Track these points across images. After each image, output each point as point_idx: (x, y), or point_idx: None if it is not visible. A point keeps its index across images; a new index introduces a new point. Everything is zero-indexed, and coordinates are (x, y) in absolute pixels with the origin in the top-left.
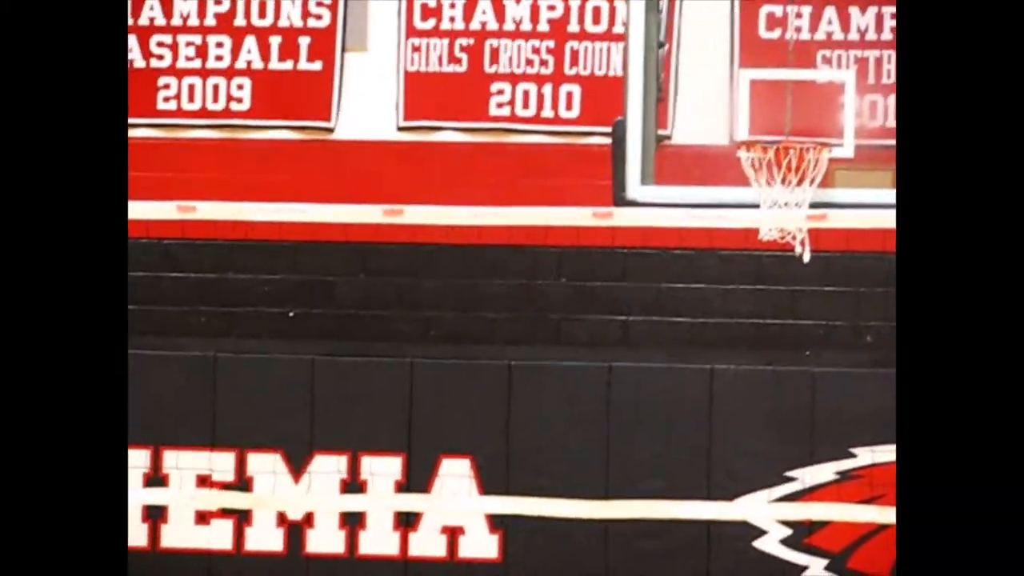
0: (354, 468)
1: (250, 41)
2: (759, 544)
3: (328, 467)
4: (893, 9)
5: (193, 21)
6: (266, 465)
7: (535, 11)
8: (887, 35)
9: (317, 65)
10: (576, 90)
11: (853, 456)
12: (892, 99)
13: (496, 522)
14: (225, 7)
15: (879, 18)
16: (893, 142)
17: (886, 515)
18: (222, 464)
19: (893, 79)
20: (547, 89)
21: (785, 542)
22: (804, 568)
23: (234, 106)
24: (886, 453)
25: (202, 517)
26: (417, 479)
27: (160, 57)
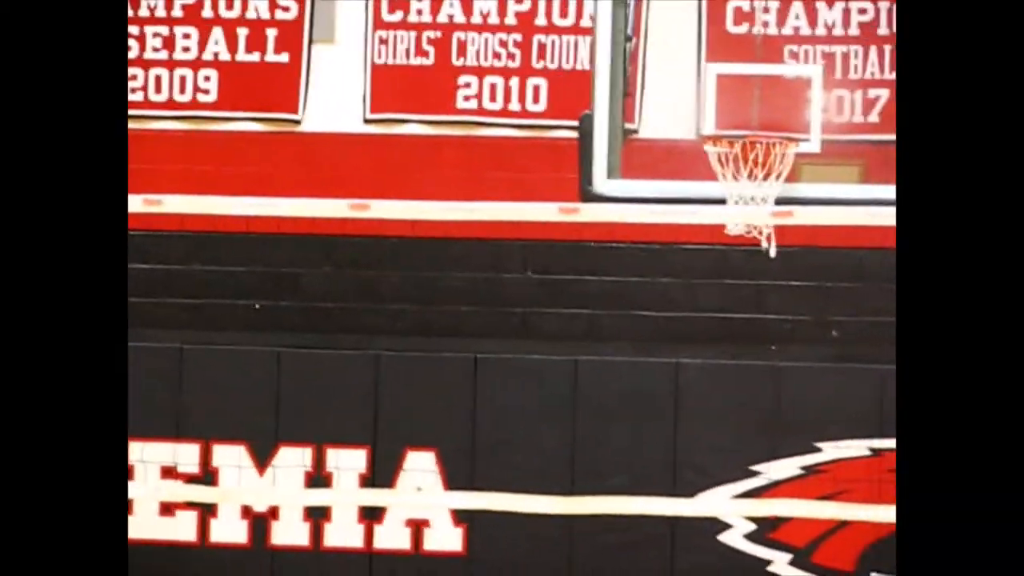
0: (319, 461)
1: (217, 32)
2: (724, 538)
3: (293, 460)
4: (861, 4)
5: (160, 12)
6: (232, 458)
7: (502, 4)
8: (854, 30)
9: (284, 57)
10: (543, 83)
11: (818, 451)
12: (859, 94)
13: (461, 516)
14: None
15: (846, 13)
16: (860, 137)
17: (850, 511)
18: (187, 456)
19: (860, 74)
20: (514, 82)
21: (750, 537)
22: (768, 563)
23: (201, 97)
24: (850, 448)
25: (167, 509)
26: (382, 472)
27: (128, 48)
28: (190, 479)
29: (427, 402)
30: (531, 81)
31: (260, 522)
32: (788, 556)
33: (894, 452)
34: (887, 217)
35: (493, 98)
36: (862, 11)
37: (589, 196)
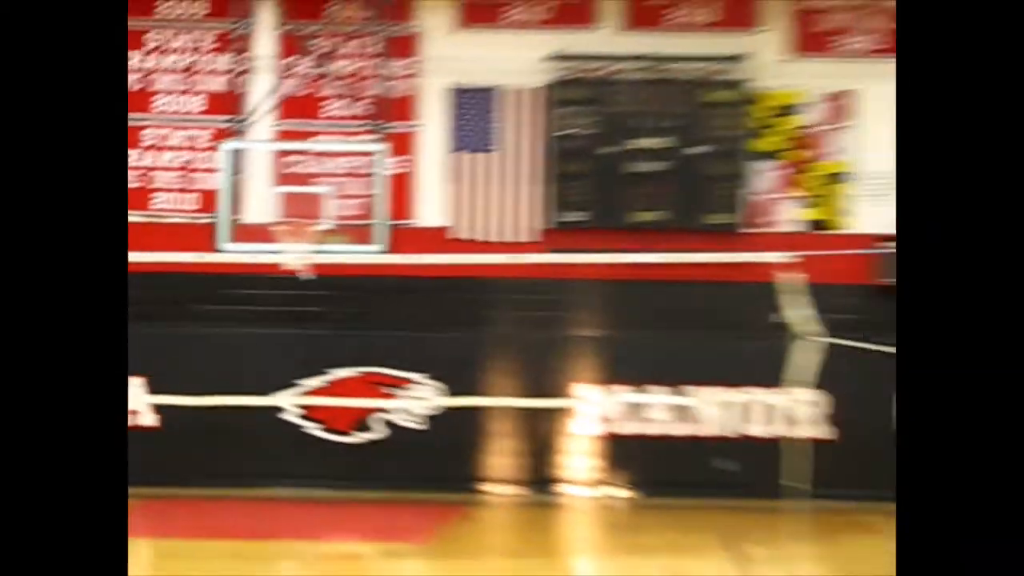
0: None
1: None
2: (286, 417)
3: None
4: (355, 159)
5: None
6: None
7: (176, 158)
8: (352, 168)
9: None
10: (198, 195)
11: (329, 375)
12: (352, 202)
13: (157, 408)
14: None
15: (364, 157)
16: (348, 222)
17: (349, 402)
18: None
19: (355, 192)
20: (183, 195)
21: (300, 416)
22: (310, 429)
23: None
24: (347, 373)
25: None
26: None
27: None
28: None
29: (144, 355)
30: (191, 195)
31: None
32: (320, 425)
33: (368, 374)
34: (367, 259)
35: (173, 203)
36: (358, 159)
37: (219, 251)
